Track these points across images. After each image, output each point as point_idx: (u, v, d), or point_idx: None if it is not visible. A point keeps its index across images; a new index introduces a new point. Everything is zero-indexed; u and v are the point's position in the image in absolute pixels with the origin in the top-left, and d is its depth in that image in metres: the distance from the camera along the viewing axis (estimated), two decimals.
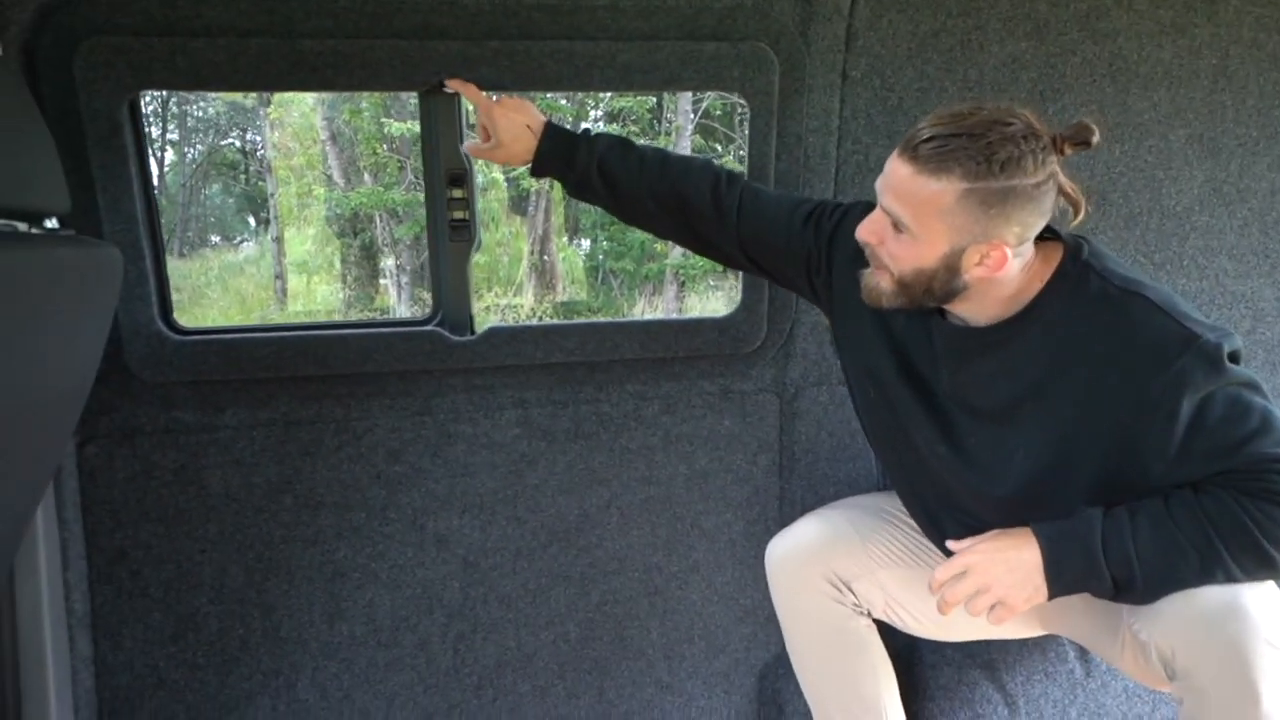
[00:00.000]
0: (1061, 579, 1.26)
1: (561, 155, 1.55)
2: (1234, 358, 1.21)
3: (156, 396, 1.68)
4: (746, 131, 1.71)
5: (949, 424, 1.41)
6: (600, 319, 1.84)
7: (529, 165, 1.57)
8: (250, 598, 1.78)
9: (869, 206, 1.40)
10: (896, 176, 1.22)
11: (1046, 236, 1.33)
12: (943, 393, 1.41)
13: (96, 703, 1.73)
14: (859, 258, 1.38)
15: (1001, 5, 1.74)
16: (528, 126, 1.54)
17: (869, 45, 1.72)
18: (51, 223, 1.18)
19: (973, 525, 1.42)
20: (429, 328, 1.75)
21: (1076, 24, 1.77)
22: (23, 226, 1.11)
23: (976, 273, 1.24)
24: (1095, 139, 1.20)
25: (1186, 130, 1.87)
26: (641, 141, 1.64)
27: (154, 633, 1.75)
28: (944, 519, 1.49)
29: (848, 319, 1.50)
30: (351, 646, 1.83)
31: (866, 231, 1.29)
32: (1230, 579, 1.20)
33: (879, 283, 1.31)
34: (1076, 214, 1.25)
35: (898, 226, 1.25)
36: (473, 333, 1.77)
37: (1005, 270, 1.24)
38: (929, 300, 1.30)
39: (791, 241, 1.54)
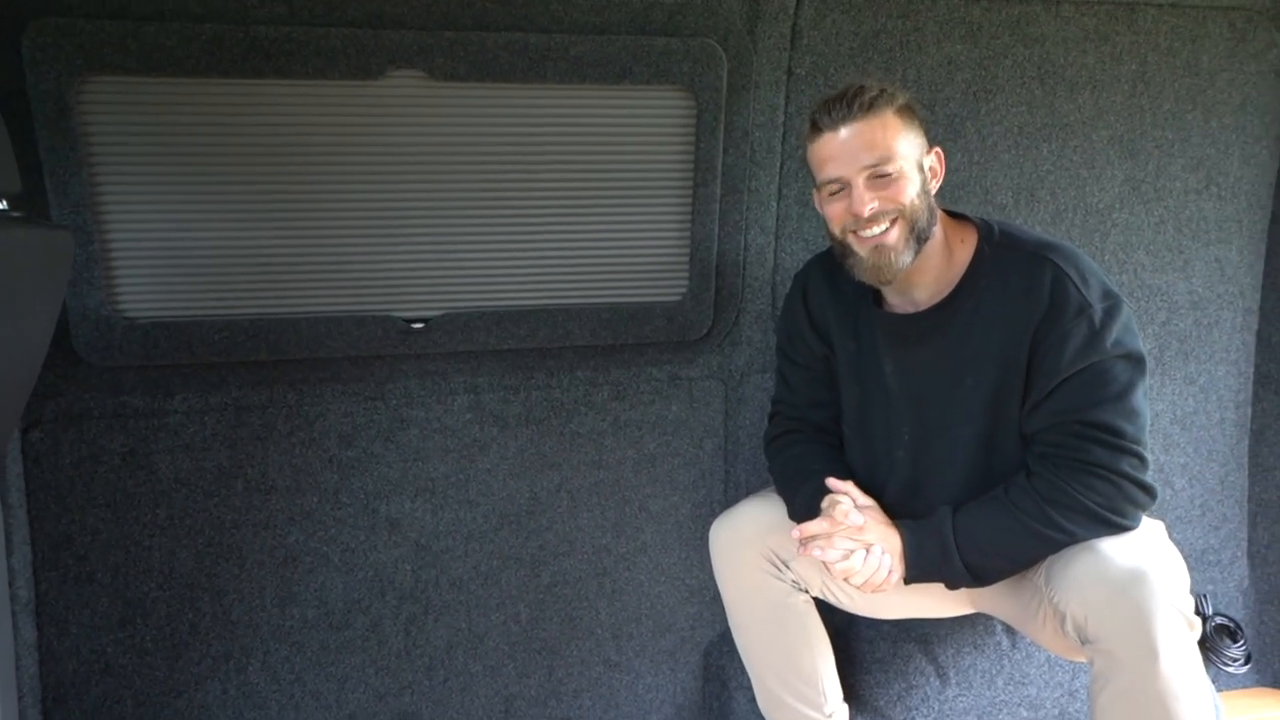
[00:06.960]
0: (919, 564, 1.45)
1: None
2: (1123, 327, 1.39)
3: (104, 381, 1.66)
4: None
5: (900, 420, 1.56)
6: (551, 303, 1.87)
7: None
8: (200, 582, 1.78)
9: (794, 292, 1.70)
10: (852, 139, 1.40)
11: (960, 219, 1.53)
12: (890, 379, 1.55)
13: (40, 690, 1.72)
14: (825, 288, 1.63)
15: (939, 9, 1.81)
16: None
17: (813, 44, 1.78)
18: (1, 204, 1.17)
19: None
20: (382, 313, 1.76)
21: (1008, 29, 1.86)
22: None
23: (932, 186, 1.47)
24: None
25: (1108, 131, 1.97)
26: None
27: (100, 618, 1.74)
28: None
29: (840, 347, 1.64)
30: (303, 630, 1.84)
31: (861, 205, 1.40)
32: (1073, 540, 1.38)
33: (890, 239, 1.42)
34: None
35: (876, 176, 1.39)
36: (425, 319, 1.79)
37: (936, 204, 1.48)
38: (922, 240, 1.43)
39: (815, 365, 1.70)
